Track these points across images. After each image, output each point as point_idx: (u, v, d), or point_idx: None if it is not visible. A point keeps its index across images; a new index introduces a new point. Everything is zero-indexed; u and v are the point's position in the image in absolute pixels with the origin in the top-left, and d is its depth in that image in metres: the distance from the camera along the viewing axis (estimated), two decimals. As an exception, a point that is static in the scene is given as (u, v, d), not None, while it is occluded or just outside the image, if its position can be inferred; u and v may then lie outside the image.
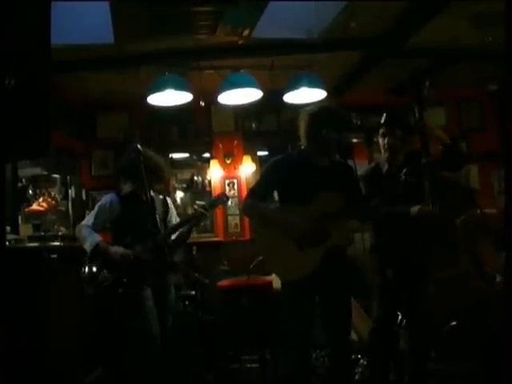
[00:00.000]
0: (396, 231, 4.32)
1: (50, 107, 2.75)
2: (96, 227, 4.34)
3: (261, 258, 3.94)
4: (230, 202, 4.60)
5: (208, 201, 4.78)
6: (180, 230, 4.51)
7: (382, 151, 4.54)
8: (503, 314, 2.68)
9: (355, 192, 3.87)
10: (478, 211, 5.05)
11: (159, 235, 4.33)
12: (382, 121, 4.52)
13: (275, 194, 3.93)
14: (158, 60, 5.93)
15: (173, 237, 4.53)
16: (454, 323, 4.73)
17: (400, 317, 4.86)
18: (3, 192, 2.67)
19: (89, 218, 4.41)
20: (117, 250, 4.26)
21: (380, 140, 4.54)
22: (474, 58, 6.44)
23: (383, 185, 4.11)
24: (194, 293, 6.25)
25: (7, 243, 4.70)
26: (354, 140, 6.97)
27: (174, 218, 4.73)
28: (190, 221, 4.49)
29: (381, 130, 4.50)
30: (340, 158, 3.91)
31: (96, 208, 4.45)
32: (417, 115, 4.50)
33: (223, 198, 4.63)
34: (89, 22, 5.09)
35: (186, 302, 6.23)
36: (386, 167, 4.52)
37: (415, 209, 4.27)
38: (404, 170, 3.91)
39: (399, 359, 4.55)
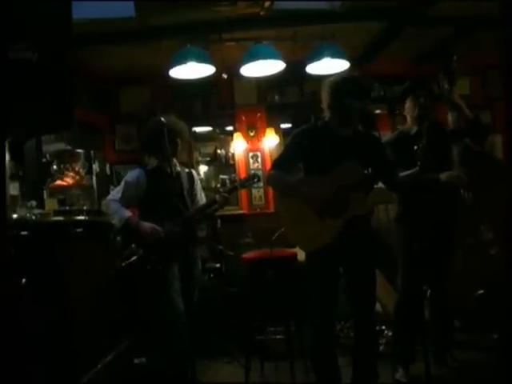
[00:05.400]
0: (424, 199, 4.31)
1: (73, 81, 2.76)
2: (123, 202, 4.36)
3: (283, 229, 3.95)
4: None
5: (239, 182, 4.80)
6: (207, 210, 4.53)
7: (412, 111, 4.57)
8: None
9: (384, 160, 3.86)
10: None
11: (188, 213, 4.36)
12: (413, 83, 4.57)
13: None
14: (180, 33, 5.90)
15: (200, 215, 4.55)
16: (481, 292, 4.71)
17: (425, 288, 4.87)
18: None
19: (115, 193, 4.43)
20: (147, 226, 4.29)
21: (410, 101, 4.57)
22: (497, 25, 6.33)
23: (412, 149, 4.10)
24: (218, 265, 6.29)
25: (33, 217, 4.75)
26: (377, 111, 6.93)
27: (199, 192, 4.74)
28: (213, 205, 4.50)
29: (412, 94, 4.53)
30: (363, 129, 3.90)
31: (123, 183, 4.47)
32: (446, 86, 4.49)
33: (255, 179, 4.59)
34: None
35: (211, 275, 6.28)
36: (414, 130, 4.54)
37: (444, 174, 4.29)
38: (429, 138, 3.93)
39: (424, 330, 4.56)
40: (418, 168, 3.97)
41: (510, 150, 2.60)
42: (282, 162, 3.89)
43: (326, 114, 3.87)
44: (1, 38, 2.53)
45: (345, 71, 5.55)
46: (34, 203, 5.35)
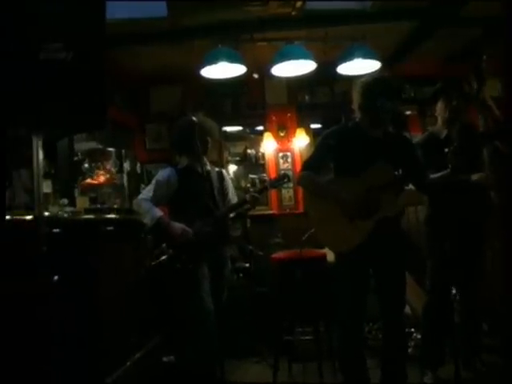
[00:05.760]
0: (454, 200, 4.29)
1: (105, 82, 2.79)
2: (154, 201, 4.39)
3: (313, 230, 3.95)
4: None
5: (269, 182, 4.84)
6: (237, 209, 4.56)
7: (443, 113, 4.54)
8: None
9: (414, 162, 3.84)
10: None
11: (218, 212, 4.38)
12: (445, 84, 4.54)
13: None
14: (211, 33, 5.91)
15: (231, 215, 4.58)
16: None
17: (454, 291, 4.84)
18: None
19: (147, 192, 4.46)
20: (178, 226, 4.31)
21: (441, 103, 4.55)
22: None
23: (442, 151, 4.07)
24: (248, 265, 6.29)
25: (65, 215, 4.80)
26: (408, 112, 6.90)
27: (231, 191, 4.76)
28: (244, 205, 4.52)
29: (443, 95, 4.51)
30: (394, 130, 3.88)
31: (154, 182, 4.49)
32: (475, 87, 4.46)
33: (284, 179, 4.61)
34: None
35: (240, 275, 6.29)
36: (444, 133, 4.51)
37: (475, 175, 4.27)
38: (460, 140, 3.90)
39: (454, 332, 4.53)
40: (449, 170, 3.94)
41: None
42: (312, 162, 3.89)
43: (357, 115, 3.86)
44: (32, 38, 2.57)
45: (376, 72, 5.53)
46: (65, 201, 5.41)
